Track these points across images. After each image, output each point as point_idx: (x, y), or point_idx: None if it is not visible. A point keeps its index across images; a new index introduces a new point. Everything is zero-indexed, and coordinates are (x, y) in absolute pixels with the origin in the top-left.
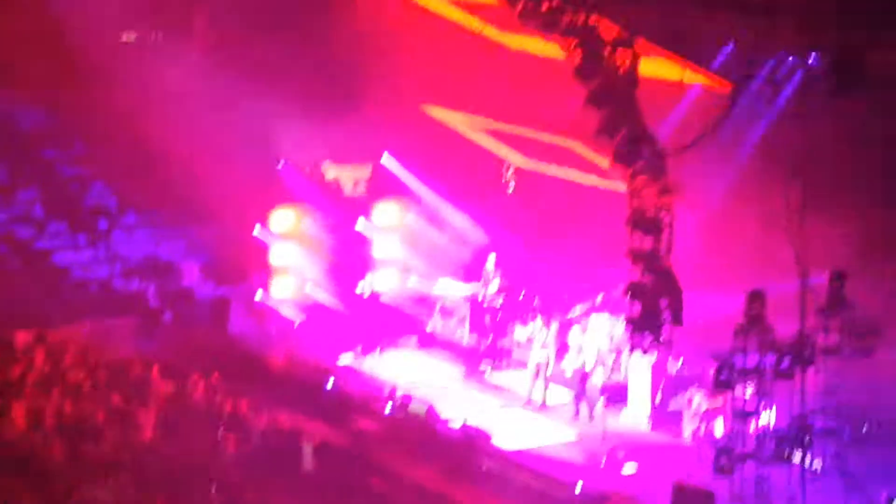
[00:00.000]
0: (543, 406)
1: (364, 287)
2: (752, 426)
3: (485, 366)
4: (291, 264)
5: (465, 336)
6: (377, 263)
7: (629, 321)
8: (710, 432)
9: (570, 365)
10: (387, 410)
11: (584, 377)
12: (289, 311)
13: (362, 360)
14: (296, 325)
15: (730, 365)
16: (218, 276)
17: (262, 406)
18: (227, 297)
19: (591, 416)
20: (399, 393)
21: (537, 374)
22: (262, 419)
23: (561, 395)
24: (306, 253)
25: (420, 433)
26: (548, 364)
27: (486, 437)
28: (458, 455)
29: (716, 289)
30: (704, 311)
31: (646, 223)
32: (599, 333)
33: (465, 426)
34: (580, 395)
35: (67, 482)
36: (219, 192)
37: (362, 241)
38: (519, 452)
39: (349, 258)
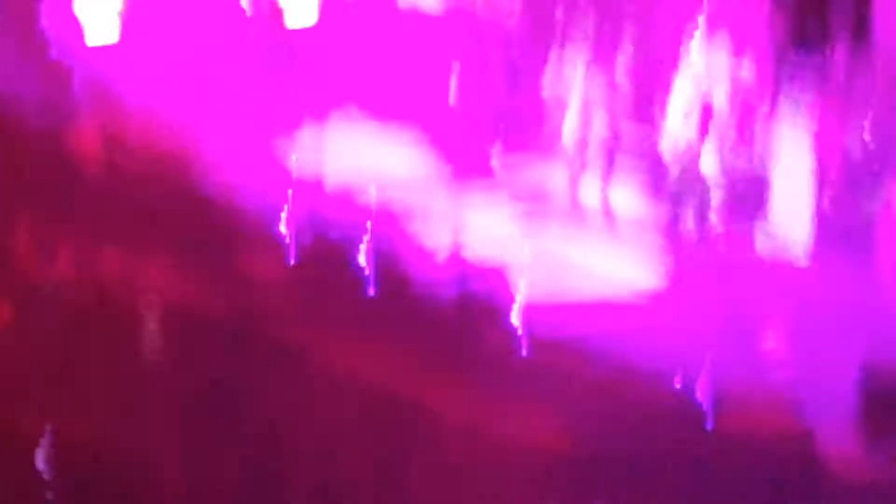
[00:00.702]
0: (607, 217)
1: None
2: None
3: (493, 147)
4: None
5: (453, 93)
6: None
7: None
8: None
9: (660, 132)
10: (299, 239)
11: (685, 158)
12: (110, 32)
13: (256, 144)
14: (123, 67)
15: None
16: None
17: (57, 236)
18: None
19: (700, 242)
20: (331, 207)
21: (585, 147)
22: (58, 263)
23: (639, 197)
24: None
25: (368, 281)
26: (616, 138)
27: (497, 286)
28: (442, 325)
29: None
30: None
31: None
32: (709, 82)
33: (456, 264)
34: (679, 193)
35: None
36: None
37: None
38: (559, 312)
39: None
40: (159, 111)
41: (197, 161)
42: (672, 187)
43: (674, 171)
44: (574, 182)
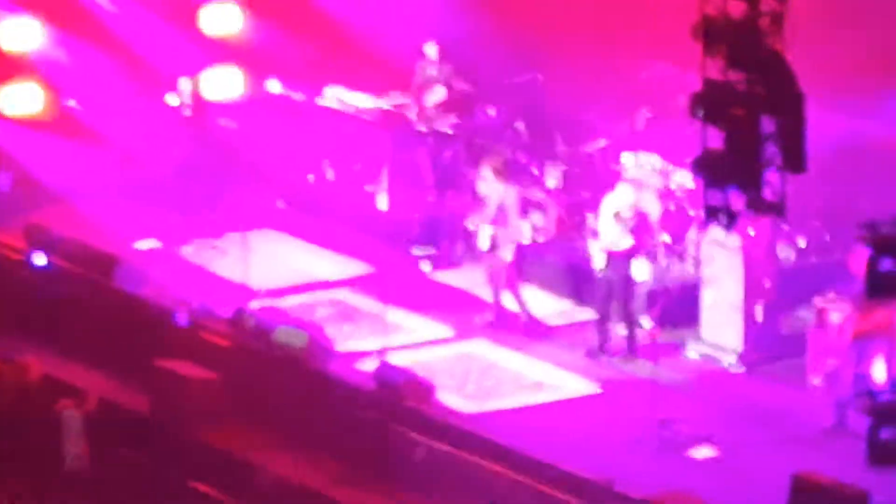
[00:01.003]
0: (534, 327)
1: (181, 97)
2: None
3: (420, 252)
4: (35, 53)
5: (381, 197)
6: (210, 51)
7: (701, 164)
8: (860, 376)
9: (591, 247)
10: (229, 342)
11: (617, 274)
12: (29, 145)
13: (181, 246)
14: (41, 179)
15: None
16: None
17: None
18: None
19: (630, 349)
20: (255, 308)
21: (520, 265)
22: None
23: (570, 309)
24: (58, 32)
25: (294, 386)
26: (543, 244)
27: (424, 391)
28: (369, 430)
29: (871, 99)
30: (848, 140)
31: None
32: (644, 189)
33: (383, 370)
34: (608, 307)
35: None
36: None
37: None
38: (488, 419)
39: (151, 43)
40: (88, 211)
41: (124, 263)
42: (602, 295)
43: (604, 279)
44: (499, 288)
